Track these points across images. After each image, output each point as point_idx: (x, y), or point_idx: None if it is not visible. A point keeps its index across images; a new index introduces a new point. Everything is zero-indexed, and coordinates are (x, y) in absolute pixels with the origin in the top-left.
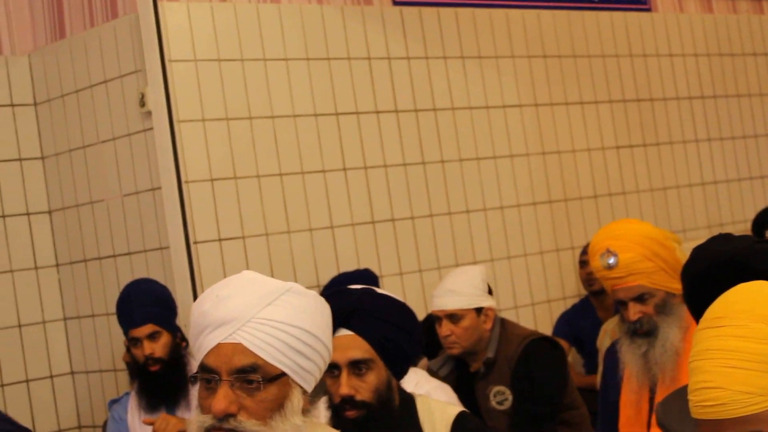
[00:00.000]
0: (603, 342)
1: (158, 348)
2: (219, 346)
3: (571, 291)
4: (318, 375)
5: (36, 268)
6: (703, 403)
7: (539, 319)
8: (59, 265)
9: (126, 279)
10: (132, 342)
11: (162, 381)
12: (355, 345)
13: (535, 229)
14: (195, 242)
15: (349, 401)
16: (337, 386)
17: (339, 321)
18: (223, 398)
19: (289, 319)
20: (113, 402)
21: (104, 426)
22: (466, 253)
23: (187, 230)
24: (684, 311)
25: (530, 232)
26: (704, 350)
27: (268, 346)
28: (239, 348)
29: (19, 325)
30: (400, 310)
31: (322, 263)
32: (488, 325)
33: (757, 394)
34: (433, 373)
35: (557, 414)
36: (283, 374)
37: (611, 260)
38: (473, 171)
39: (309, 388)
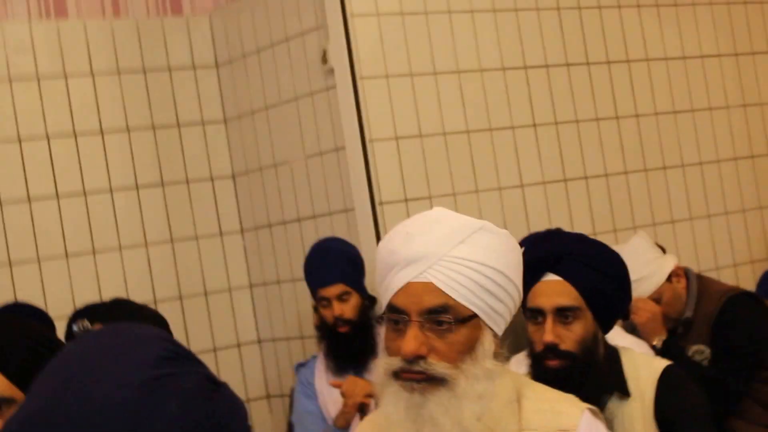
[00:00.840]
0: None
1: (348, 309)
2: (408, 285)
3: None
4: (508, 317)
5: (221, 234)
6: None
7: (742, 281)
8: (244, 230)
9: (311, 243)
10: (321, 302)
11: (350, 343)
12: (563, 291)
13: (736, 186)
14: (381, 203)
15: (552, 350)
16: (540, 333)
17: (547, 265)
18: (413, 339)
19: (481, 258)
20: (300, 365)
21: (292, 391)
22: (663, 212)
23: (372, 191)
24: None
25: (731, 189)
26: None
27: (459, 286)
28: (430, 287)
29: (206, 293)
30: (614, 260)
31: (512, 223)
32: (682, 283)
33: None
34: (629, 331)
35: (759, 371)
36: (474, 315)
37: None
38: (670, 125)
39: (499, 331)
